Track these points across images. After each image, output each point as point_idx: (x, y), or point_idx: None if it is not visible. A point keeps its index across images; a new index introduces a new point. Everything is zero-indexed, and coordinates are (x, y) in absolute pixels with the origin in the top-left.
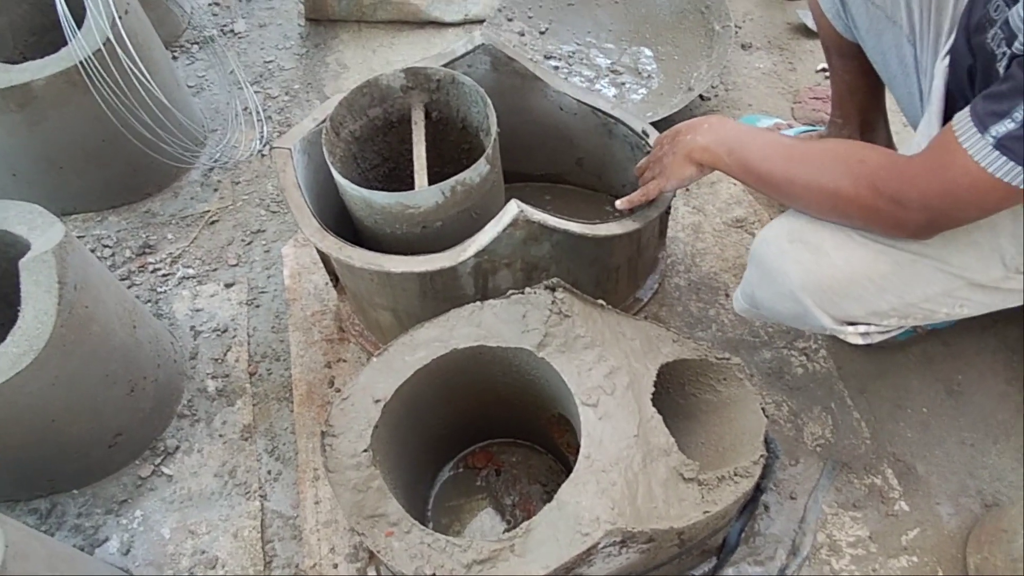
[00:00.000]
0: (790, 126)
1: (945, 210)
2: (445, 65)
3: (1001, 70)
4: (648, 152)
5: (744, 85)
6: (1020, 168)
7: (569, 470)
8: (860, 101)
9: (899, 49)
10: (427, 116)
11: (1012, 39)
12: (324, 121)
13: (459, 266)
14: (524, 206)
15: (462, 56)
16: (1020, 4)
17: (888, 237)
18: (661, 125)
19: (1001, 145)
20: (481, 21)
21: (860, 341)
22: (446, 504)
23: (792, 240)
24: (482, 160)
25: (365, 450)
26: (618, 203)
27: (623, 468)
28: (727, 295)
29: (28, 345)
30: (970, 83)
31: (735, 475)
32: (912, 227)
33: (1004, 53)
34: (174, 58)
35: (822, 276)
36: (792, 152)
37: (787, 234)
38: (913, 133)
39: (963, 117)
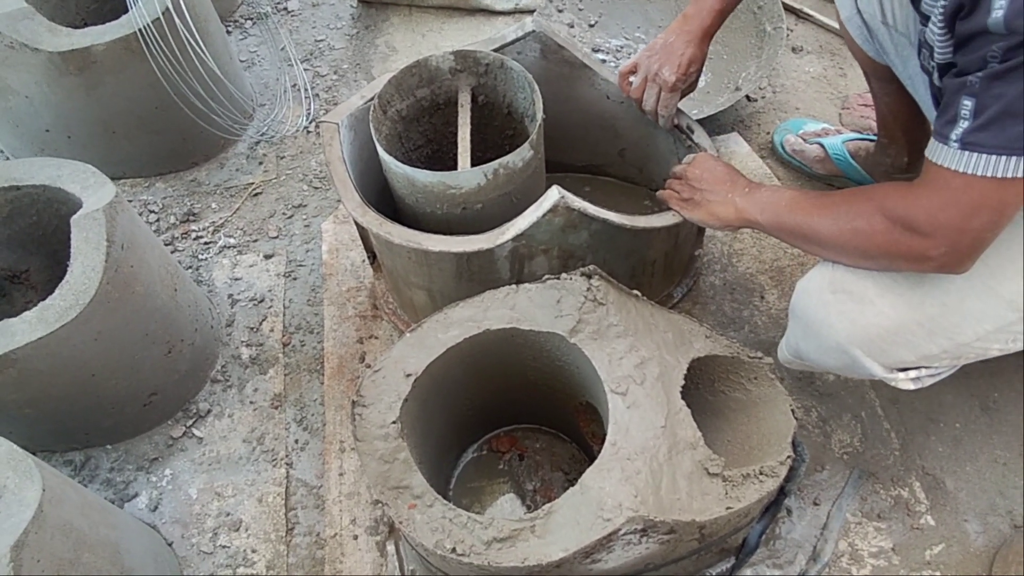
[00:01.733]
0: (838, 132)
1: (956, 226)
2: (495, 50)
3: (938, 83)
4: (689, 148)
5: (792, 88)
6: (992, 157)
7: (593, 460)
8: (904, 123)
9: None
10: (473, 100)
11: (932, 52)
12: (372, 99)
13: (496, 249)
14: (565, 193)
15: (512, 42)
16: (930, 22)
17: (925, 273)
18: (706, 123)
19: (965, 145)
20: (531, 11)
21: (912, 387)
22: (468, 485)
23: (835, 291)
24: (526, 145)
25: (394, 422)
26: (659, 193)
27: (648, 458)
28: (762, 297)
29: (75, 299)
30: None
31: (760, 474)
32: (937, 256)
33: (933, 67)
34: (228, 32)
35: (869, 325)
36: (817, 202)
37: (828, 284)
38: None
39: (931, 142)
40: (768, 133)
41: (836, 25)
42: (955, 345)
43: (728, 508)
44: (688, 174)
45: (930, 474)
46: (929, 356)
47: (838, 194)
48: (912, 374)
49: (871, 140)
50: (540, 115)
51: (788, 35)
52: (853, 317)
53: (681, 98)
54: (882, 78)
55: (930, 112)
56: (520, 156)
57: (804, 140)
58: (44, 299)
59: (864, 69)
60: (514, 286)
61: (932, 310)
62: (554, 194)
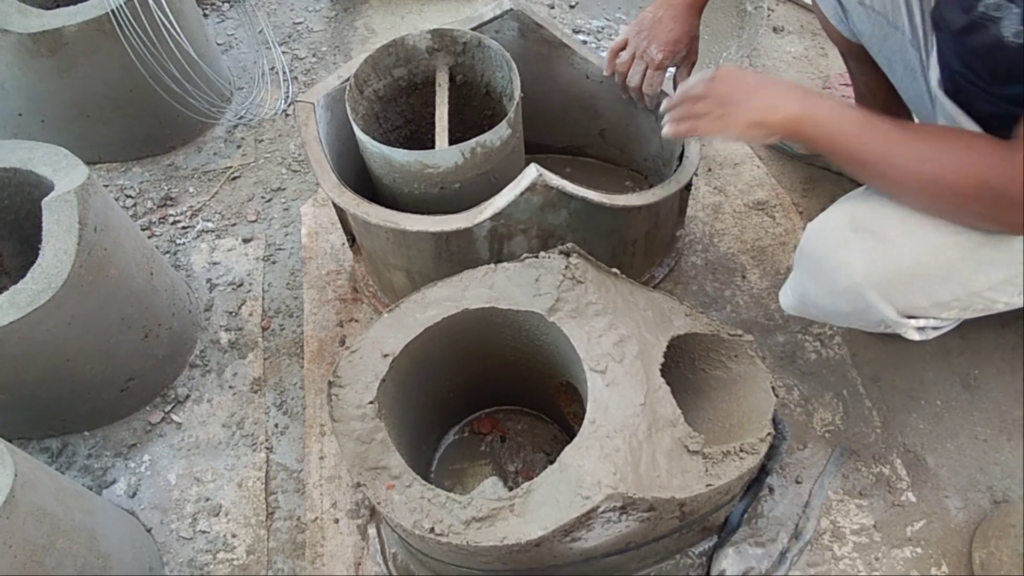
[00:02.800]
0: None
1: None
2: (473, 29)
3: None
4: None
5: (774, 68)
6: None
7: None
8: (882, 101)
9: (903, 54)
10: (451, 80)
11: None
12: (348, 79)
13: (475, 228)
14: (543, 171)
15: (490, 21)
16: None
17: (977, 229)
18: None
19: None
20: None
21: (917, 337)
22: (450, 467)
23: (855, 229)
24: (503, 123)
25: (371, 402)
26: (667, 127)
27: (628, 435)
28: (743, 276)
29: (47, 283)
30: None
31: (741, 451)
32: (1014, 223)
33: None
34: (205, 15)
35: (889, 265)
36: (898, 134)
37: (849, 223)
38: None
39: None
40: None
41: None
42: (967, 293)
43: (708, 485)
44: (714, 90)
45: (911, 451)
46: (940, 303)
47: (924, 130)
48: (920, 322)
49: None
50: (518, 93)
51: (769, 15)
52: (873, 256)
53: (686, 72)
54: (857, 57)
55: (905, 92)
56: (498, 135)
57: None
58: (17, 284)
59: (839, 48)
60: (492, 265)
61: (951, 253)
62: (532, 172)
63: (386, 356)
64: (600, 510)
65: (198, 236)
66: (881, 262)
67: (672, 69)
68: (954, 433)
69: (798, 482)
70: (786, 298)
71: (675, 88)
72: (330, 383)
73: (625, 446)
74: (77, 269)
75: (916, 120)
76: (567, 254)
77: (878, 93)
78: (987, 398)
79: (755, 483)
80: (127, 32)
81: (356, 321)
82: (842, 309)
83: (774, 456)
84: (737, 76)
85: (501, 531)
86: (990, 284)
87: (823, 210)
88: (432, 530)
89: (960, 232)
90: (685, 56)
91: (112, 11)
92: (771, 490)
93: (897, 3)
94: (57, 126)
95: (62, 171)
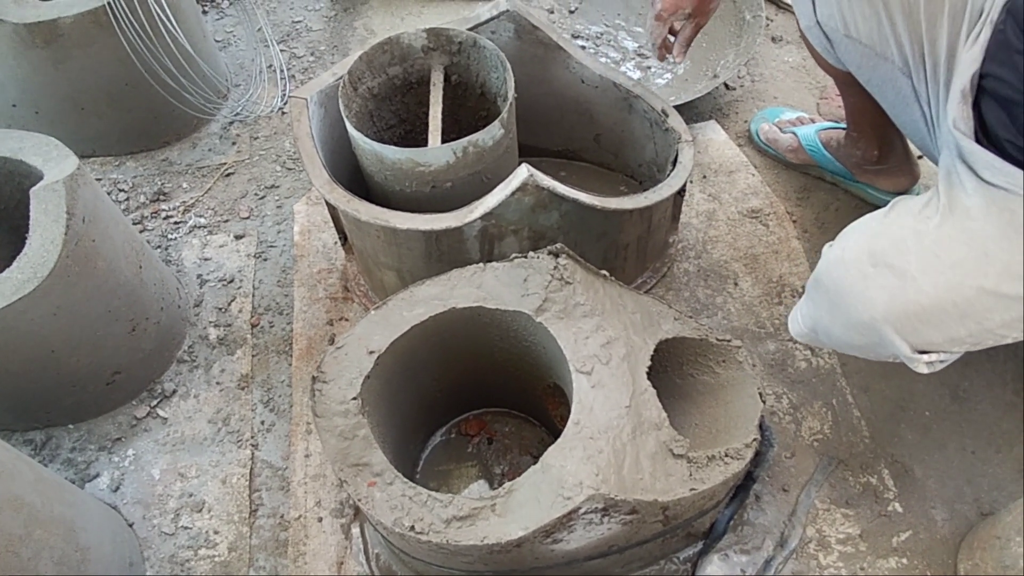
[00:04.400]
0: (812, 121)
1: None
2: (469, 29)
3: None
4: (667, 130)
5: (771, 77)
6: None
7: None
8: (871, 119)
9: (894, 82)
10: (446, 80)
11: None
12: (343, 76)
13: (465, 228)
14: (535, 171)
15: (486, 21)
16: None
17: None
18: (684, 110)
19: None
20: None
21: (926, 370)
22: (436, 468)
23: (875, 264)
24: (496, 122)
25: (354, 398)
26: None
27: (611, 437)
28: (736, 284)
29: (32, 272)
30: None
31: (726, 456)
32: None
33: None
34: (204, 12)
35: (908, 302)
36: None
37: (868, 257)
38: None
39: None
40: (746, 121)
41: None
42: (981, 330)
43: (692, 489)
44: None
45: (899, 462)
46: (955, 339)
47: None
48: (931, 357)
49: (844, 129)
50: (512, 93)
51: (767, 24)
52: (894, 292)
53: (690, 30)
54: (845, 82)
55: (898, 118)
56: (490, 134)
57: (779, 129)
58: (2, 273)
59: (827, 73)
60: (481, 265)
61: (969, 292)
62: (523, 172)
63: (371, 353)
64: (582, 511)
65: (190, 232)
66: (900, 299)
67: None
68: (942, 444)
69: (785, 490)
70: (796, 326)
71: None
72: (314, 378)
73: (609, 448)
74: (64, 259)
75: (911, 141)
76: (556, 255)
77: (868, 112)
78: (976, 410)
79: (741, 490)
80: (123, 25)
81: (346, 320)
82: (855, 342)
83: (761, 463)
84: None
85: (482, 531)
86: (1004, 321)
87: (816, 219)
88: (412, 528)
89: (980, 268)
90: (691, 14)
91: (108, 3)
92: (757, 497)
93: (884, 34)
94: (51, 118)
95: (52, 161)
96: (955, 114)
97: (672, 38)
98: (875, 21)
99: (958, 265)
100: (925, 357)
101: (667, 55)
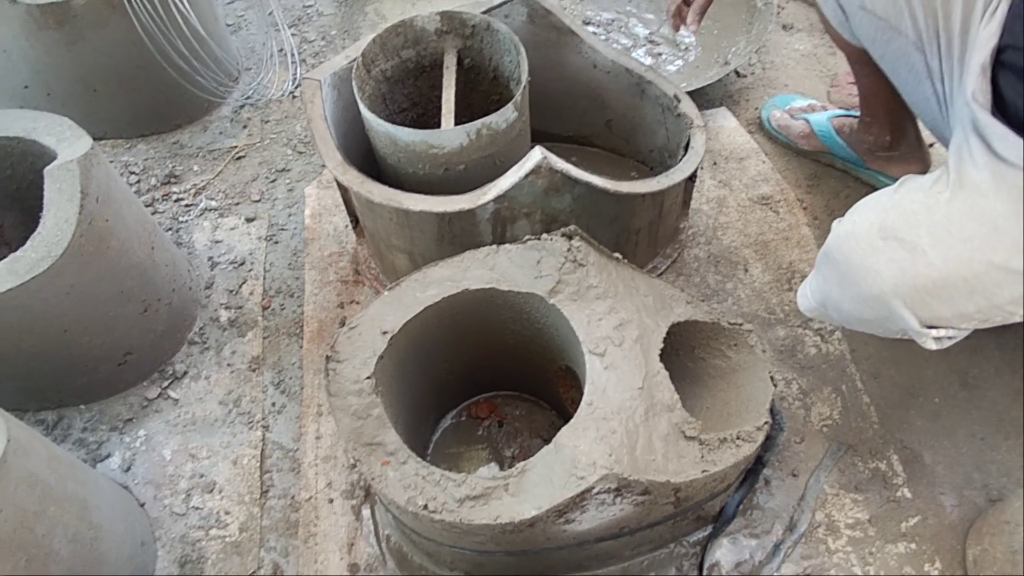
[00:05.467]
0: (824, 108)
1: None
2: (482, 13)
3: None
4: (679, 116)
5: (782, 65)
6: None
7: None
8: (884, 102)
9: (907, 57)
10: (459, 63)
11: None
12: (356, 58)
13: (478, 211)
14: (548, 153)
15: (499, 5)
16: None
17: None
18: (695, 96)
19: None
20: None
21: (934, 346)
22: (446, 451)
23: (885, 237)
24: (509, 105)
25: (368, 377)
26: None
27: (624, 418)
28: (746, 270)
29: (46, 251)
30: None
31: (737, 438)
32: None
33: None
34: None
35: (917, 275)
36: None
37: (879, 230)
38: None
39: None
40: (756, 109)
41: None
42: (990, 306)
43: (704, 471)
44: None
45: (908, 448)
46: (964, 315)
47: None
48: (939, 332)
49: (856, 117)
50: (525, 77)
51: (779, 12)
52: (903, 265)
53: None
54: (859, 61)
55: (909, 96)
56: (504, 117)
57: (791, 116)
58: (16, 252)
59: (842, 51)
60: (494, 247)
61: (979, 267)
62: (537, 154)
63: (385, 333)
64: (595, 491)
65: (201, 214)
66: (911, 272)
67: None
68: (951, 431)
69: (794, 475)
70: (804, 300)
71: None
72: (328, 358)
73: (622, 428)
74: (77, 239)
75: (922, 121)
76: (569, 237)
77: (880, 94)
78: (985, 397)
79: (751, 474)
80: (136, 7)
81: (357, 303)
82: (864, 315)
83: (771, 448)
84: None
85: (495, 510)
86: (1013, 297)
87: (826, 206)
88: (425, 507)
89: (990, 243)
90: None
91: None
92: (767, 482)
93: (899, 7)
94: (63, 100)
95: (65, 141)
96: (974, 87)
97: (686, 8)
98: None
99: (968, 240)
100: (933, 332)
101: (681, 25)
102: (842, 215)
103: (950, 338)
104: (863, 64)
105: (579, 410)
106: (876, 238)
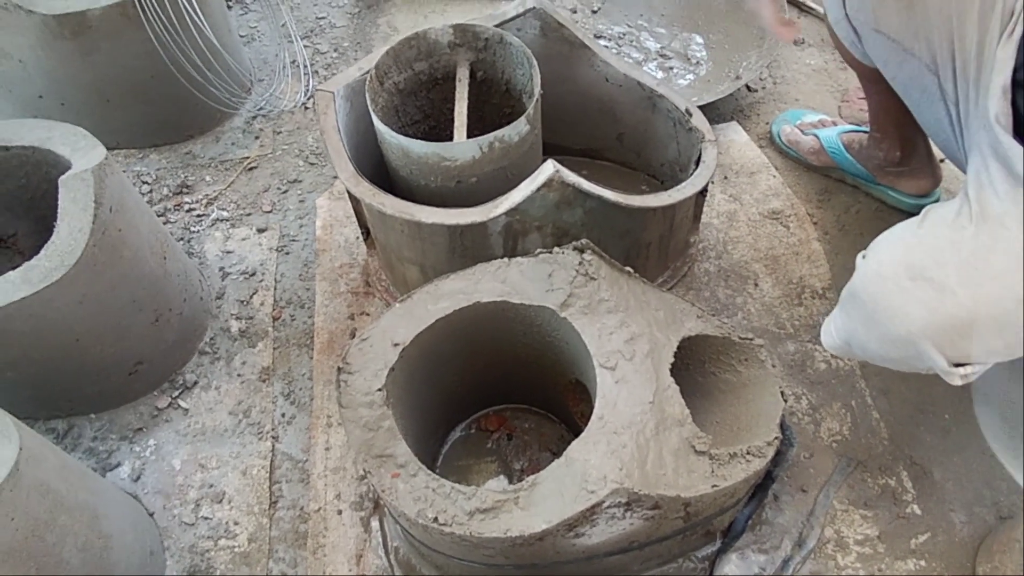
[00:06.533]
0: (835, 123)
1: None
2: (495, 26)
3: None
4: (691, 130)
5: (793, 80)
6: None
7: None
8: (895, 119)
9: (920, 79)
10: (472, 76)
11: None
12: (369, 70)
13: (490, 223)
14: (560, 167)
15: (512, 19)
16: None
17: None
18: (706, 111)
19: None
20: None
21: (960, 382)
22: (455, 463)
23: (913, 277)
24: (522, 119)
25: (379, 389)
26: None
27: (635, 432)
28: (756, 284)
29: (60, 260)
30: None
31: (747, 453)
32: None
33: None
34: (229, 7)
35: (947, 316)
36: None
37: (906, 270)
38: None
39: None
40: (767, 123)
41: None
42: (1017, 342)
43: (714, 486)
44: None
45: (918, 464)
46: (992, 351)
47: None
48: (966, 370)
49: (866, 132)
50: (538, 90)
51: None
52: (933, 306)
53: None
54: (870, 79)
55: (921, 116)
56: (516, 130)
57: (800, 131)
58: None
59: (853, 69)
60: (506, 260)
61: (1008, 304)
62: (549, 168)
63: (396, 345)
64: (605, 505)
65: (213, 224)
66: (940, 312)
67: None
68: (961, 447)
69: (803, 490)
70: (829, 338)
71: None
72: (339, 369)
73: (632, 443)
74: (91, 248)
75: (933, 141)
76: (581, 250)
77: (890, 111)
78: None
79: (760, 489)
80: (151, 18)
81: (367, 315)
82: (891, 355)
83: (780, 463)
84: None
85: (505, 523)
86: None
87: (837, 221)
88: (436, 520)
89: (1017, 281)
90: None
91: None
92: (776, 497)
93: (913, 29)
94: (77, 109)
95: (80, 151)
96: (997, 109)
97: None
98: (905, 15)
99: (996, 277)
100: (961, 370)
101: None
102: (853, 231)
103: (975, 373)
104: (874, 82)
105: (590, 424)
106: (904, 278)
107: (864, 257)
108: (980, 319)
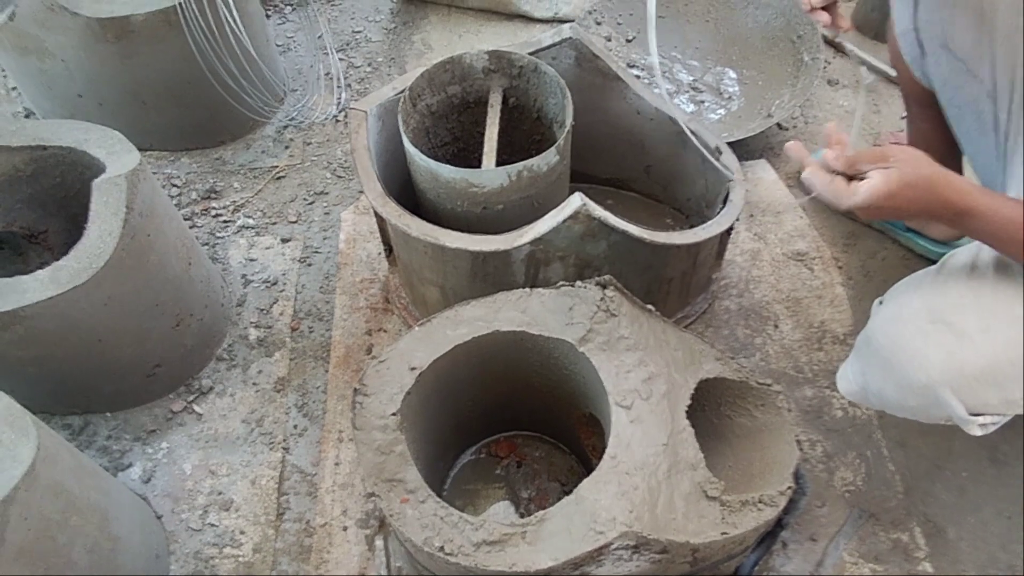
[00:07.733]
0: None
1: None
2: (530, 53)
3: None
4: (717, 170)
5: (825, 120)
6: None
7: (591, 474)
8: (936, 152)
9: (977, 104)
10: (504, 101)
11: None
12: (403, 91)
13: (513, 251)
14: (587, 200)
15: (548, 47)
16: None
17: None
18: (736, 148)
19: None
20: (570, 20)
21: (979, 432)
22: (463, 487)
23: (934, 321)
24: (552, 149)
25: (394, 414)
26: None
27: (647, 474)
28: (776, 326)
29: (88, 262)
30: None
31: (759, 502)
32: None
33: None
34: (267, 16)
35: (965, 362)
36: None
37: (927, 315)
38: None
39: None
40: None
41: (875, 63)
42: None
43: (723, 533)
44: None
45: (932, 521)
46: (1011, 401)
47: None
48: (984, 420)
49: None
50: (570, 121)
51: (825, 67)
52: (951, 350)
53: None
54: (923, 103)
55: (969, 144)
56: (545, 160)
57: None
58: (59, 261)
59: (905, 91)
60: (527, 290)
61: None
62: (576, 200)
63: (413, 369)
64: (613, 547)
65: (238, 231)
66: (959, 357)
67: None
68: (978, 507)
69: (813, 540)
70: (846, 383)
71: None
72: (355, 390)
73: (644, 485)
74: (119, 252)
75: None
76: (603, 286)
77: (932, 142)
78: (1014, 474)
79: (769, 536)
80: (192, 25)
81: (384, 331)
82: (908, 403)
83: (791, 510)
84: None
85: (511, 557)
86: None
87: (862, 267)
88: (442, 549)
89: None
90: None
91: (179, 4)
92: (785, 545)
93: (982, 50)
94: (113, 110)
95: (115, 155)
96: None
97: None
98: (975, 35)
99: (1015, 323)
100: (979, 419)
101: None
102: (878, 277)
103: (994, 424)
104: (924, 106)
105: (602, 463)
106: (924, 322)
107: (881, 303)
108: (999, 366)
